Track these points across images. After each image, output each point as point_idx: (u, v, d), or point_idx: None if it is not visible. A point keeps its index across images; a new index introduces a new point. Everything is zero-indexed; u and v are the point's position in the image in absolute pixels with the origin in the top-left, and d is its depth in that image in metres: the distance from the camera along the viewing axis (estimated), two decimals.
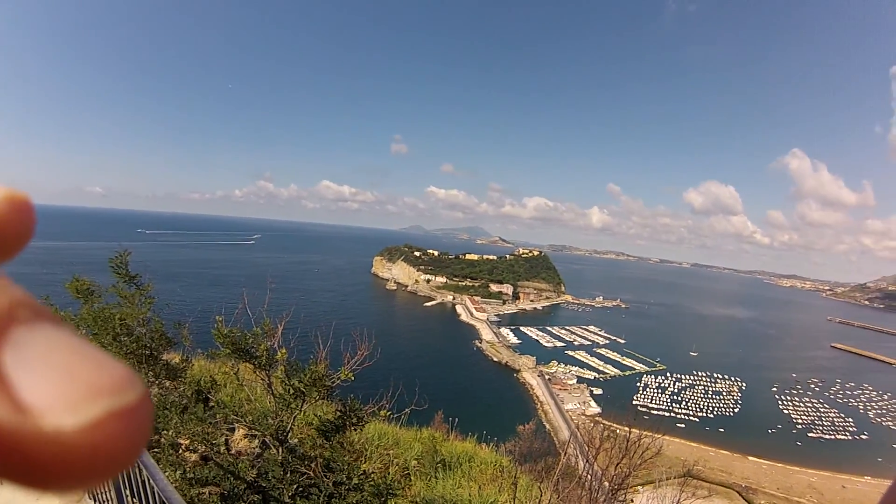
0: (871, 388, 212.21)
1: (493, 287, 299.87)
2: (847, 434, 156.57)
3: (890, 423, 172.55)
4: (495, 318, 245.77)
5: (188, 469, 6.47)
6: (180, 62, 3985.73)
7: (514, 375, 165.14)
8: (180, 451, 6.90)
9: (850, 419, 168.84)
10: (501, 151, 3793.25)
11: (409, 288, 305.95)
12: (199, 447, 7.08)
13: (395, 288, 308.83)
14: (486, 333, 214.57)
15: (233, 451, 7.45)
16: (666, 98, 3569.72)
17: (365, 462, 9.17)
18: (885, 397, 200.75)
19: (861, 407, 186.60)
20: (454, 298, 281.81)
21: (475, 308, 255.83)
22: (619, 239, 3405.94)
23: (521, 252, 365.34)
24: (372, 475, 7.36)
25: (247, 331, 8.18)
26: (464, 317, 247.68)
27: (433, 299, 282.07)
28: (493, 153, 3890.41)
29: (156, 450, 6.56)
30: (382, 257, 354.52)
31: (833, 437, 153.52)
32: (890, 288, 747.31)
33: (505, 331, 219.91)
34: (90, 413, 0.39)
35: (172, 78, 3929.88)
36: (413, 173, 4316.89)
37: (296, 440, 7.53)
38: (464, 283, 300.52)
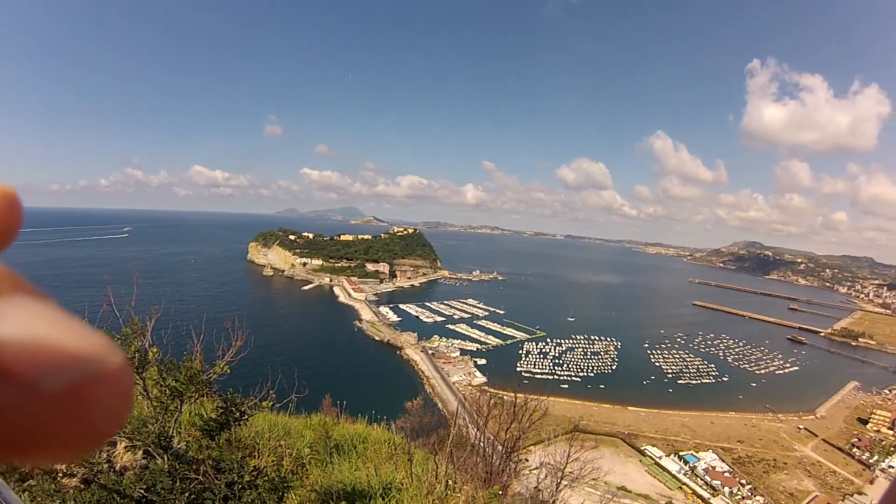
0: (728, 337, 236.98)
1: (370, 266, 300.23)
2: (711, 378, 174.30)
3: (746, 366, 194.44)
4: (374, 298, 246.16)
5: (69, 497, 5.86)
6: (20, 33, 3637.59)
7: (398, 353, 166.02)
8: (58, 477, 6.23)
9: (713, 365, 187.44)
10: (376, 131, 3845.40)
11: (286, 273, 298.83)
12: (78, 470, 6.43)
13: (272, 274, 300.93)
14: (366, 313, 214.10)
15: (117, 468, 6.81)
16: (541, 79, 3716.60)
17: (257, 457, 8.78)
18: (741, 344, 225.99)
19: (721, 354, 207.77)
20: (331, 280, 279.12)
21: (353, 289, 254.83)
22: (494, 214, 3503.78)
23: (395, 230, 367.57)
24: (265, 470, 7.06)
25: (114, 332, 7.53)
26: (342, 298, 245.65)
27: (311, 283, 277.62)
28: (367, 133, 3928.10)
29: (29, 481, 5.89)
30: (258, 243, 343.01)
31: (699, 381, 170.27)
32: (740, 252, 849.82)
33: (384, 309, 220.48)
34: (68, 377, 0.39)
35: (14, 55, 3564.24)
36: (287, 155, 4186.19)
37: (181, 445, 7.02)
38: (340, 265, 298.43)
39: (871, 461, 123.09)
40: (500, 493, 11.67)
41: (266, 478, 6.65)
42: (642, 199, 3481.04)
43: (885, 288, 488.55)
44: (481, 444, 17.71)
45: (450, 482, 10.07)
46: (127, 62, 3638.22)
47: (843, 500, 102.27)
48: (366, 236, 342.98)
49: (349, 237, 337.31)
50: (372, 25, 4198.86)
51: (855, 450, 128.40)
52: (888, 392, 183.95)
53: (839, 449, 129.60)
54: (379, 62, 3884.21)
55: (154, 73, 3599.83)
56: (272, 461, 9.16)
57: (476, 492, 10.58)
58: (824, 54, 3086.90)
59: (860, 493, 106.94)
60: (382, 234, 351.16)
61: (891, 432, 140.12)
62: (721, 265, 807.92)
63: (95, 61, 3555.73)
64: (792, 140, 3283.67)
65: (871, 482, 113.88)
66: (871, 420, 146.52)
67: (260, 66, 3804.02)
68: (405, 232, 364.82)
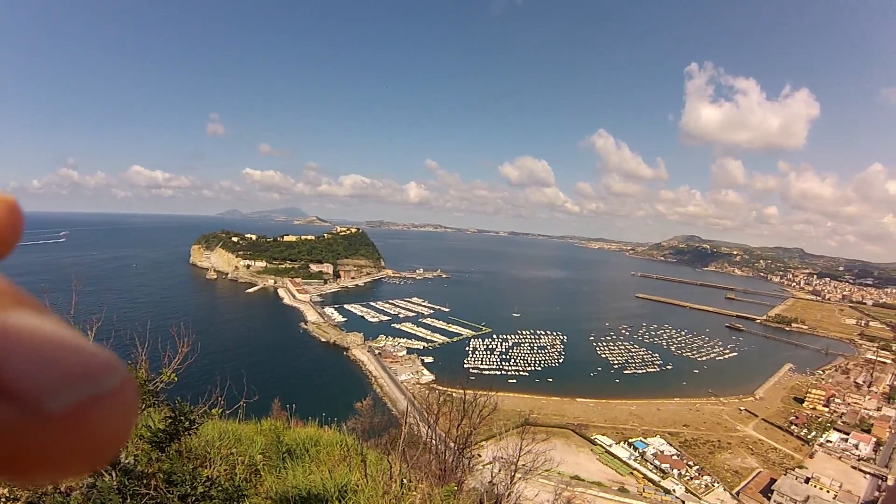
0: (670, 327, 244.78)
1: (314, 267, 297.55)
2: (655, 367, 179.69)
3: (688, 354, 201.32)
4: (318, 299, 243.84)
5: None
6: None
7: (345, 354, 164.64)
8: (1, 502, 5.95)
9: (657, 355, 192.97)
10: (319, 130, 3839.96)
11: (229, 275, 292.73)
12: (22, 493, 6.14)
13: (215, 277, 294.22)
14: (311, 315, 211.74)
15: (62, 489, 6.52)
16: (485, 78, 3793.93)
17: (209, 467, 8.59)
18: (683, 333, 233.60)
19: (664, 344, 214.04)
20: (276, 282, 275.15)
21: (297, 290, 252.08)
22: (437, 212, 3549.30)
23: (339, 230, 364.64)
24: (218, 480, 6.91)
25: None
26: (287, 300, 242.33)
27: (255, 285, 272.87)
28: (310, 132, 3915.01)
29: None
30: (200, 245, 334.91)
31: (644, 371, 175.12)
32: (680, 245, 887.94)
33: (329, 310, 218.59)
34: (72, 397, 0.39)
35: None
36: (230, 155, 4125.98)
37: (129, 459, 6.79)
38: (284, 266, 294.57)
39: (809, 437, 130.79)
40: (456, 489, 11.74)
41: (220, 488, 6.52)
42: (585, 196, 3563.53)
43: (815, 276, 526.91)
44: (433, 441, 17.79)
45: (405, 481, 10.07)
46: (57, 54, 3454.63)
47: (784, 475, 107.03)
48: (309, 237, 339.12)
49: (292, 238, 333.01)
50: (314, 22, 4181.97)
51: (793, 427, 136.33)
52: (821, 372, 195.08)
53: (778, 427, 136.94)
54: (321, 59, 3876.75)
55: (88, 65, 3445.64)
56: (225, 470, 8.96)
57: (432, 489, 10.60)
58: (758, 59, 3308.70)
59: (801, 467, 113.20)
60: (326, 235, 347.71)
61: (826, 409, 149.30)
62: (662, 258, 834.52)
63: (20, 54, 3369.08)
64: (727, 139, 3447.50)
65: (811, 456, 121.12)
66: (806, 399, 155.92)
67: (200, 59, 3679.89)
68: (348, 232, 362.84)
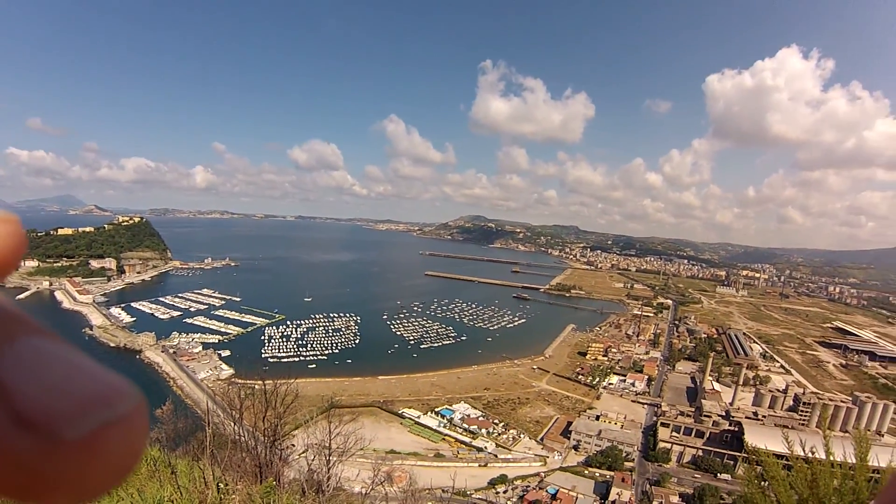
0: (461, 301, 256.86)
1: (95, 263, 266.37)
2: (451, 339, 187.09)
3: (481, 325, 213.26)
4: (103, 299, 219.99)
5: None
6: None
7: (138, 357, 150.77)
8: None
9: (451, 328, 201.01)
10: (98, 104, 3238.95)
11: None
12: None
13: None
14: (97, 317, 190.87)
15: None
16: (277, 60, 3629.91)
17: None
18: (474, 306, 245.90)
19: (457, 317, 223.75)
20: (52, 284, 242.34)
21: (78, 291, 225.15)
22: (224, 198, 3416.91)
23: (121, 220, 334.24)
24: None
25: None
26: (67, 304, 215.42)
27: (26, 290, 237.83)
28: (90, 107, 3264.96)
29: None
30: None
31: (441, 343, 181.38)
32: (466, 225, 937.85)
33: (116, 311, 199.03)
34: (88, 425, 0.39)
35: None
36: None
37: None
38: (60, 264, 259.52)
39: (594, 382, 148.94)
40: (275, 484, 11.20)
41: None
42: (373, 179, 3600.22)
43: (589, 249, 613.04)
44: (243, 438, 17.13)
45: (221, 486, 9.35)
46: None
47: (578, 416, 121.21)
48: (88, 229, 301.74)
49: (68, 231, 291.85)
50: None
51: (580, 376, 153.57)
52: (599, 329, 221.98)
53: (568, 378, 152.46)
54: (103, 28, 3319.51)
55: None
56: None
57: (251, 489, 9.98)
58: (547, 63, 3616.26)
59: (591, 408, 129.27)
60: (107, 226, 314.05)
61: (605, 358, 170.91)
62: (449, 237, 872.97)
63: None
64: (514, 130, 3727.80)
65: (598, 398, 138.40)
66: (588, 351, 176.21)
67: None
68: (131, 221, 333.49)
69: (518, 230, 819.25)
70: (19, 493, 0.40)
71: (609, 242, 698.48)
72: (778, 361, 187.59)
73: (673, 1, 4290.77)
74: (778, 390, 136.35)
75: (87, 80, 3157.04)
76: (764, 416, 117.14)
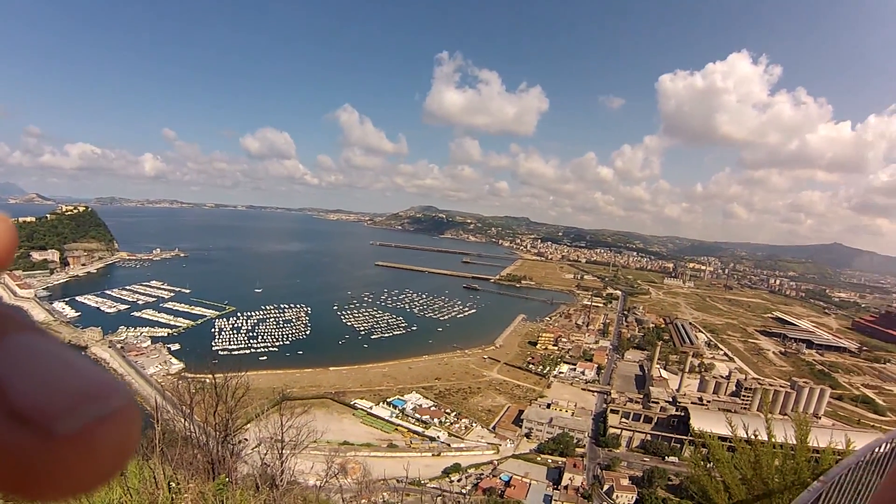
0: (412, 291, 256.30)
1: (37, 255, 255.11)
2: (401, 329, 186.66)
3: (431, 315, 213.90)
4: (45, 293, 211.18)
5: None
6: None
7: (84, 354, 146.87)
8: None
9: (401, 318, 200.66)
10: (42, 85, 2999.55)
11: None
12: None
13: None
14: (39, 313, 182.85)
15: None
16: (229, 45, 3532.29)
17: None
18: (424, 296, 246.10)
19: (407, 307, 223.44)
20: None
21: (18, 285, 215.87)
22: (174, 186, 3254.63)
23: (64, 209, 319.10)
24: None
25: None
26: (6, 299, 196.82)
27: None
28: (31, 87, 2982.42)
29: None
30: None
31: (391, 334, 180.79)
32: (417, 215, 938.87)
33: (60, 305, 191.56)
34: (80, 419, 0.40)
35: None
36: None
37: None
38: None
39: (545, 371, 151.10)
40: (228, 480, 11.05)
41: None
42: (325, 168, 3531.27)
43: (539, 241, 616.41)
44: (194, 434, 16.83)
45: (172, 485, 9.19)
46: None
47: (530, 405, 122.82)
48: (29, 218, 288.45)
49: None
50: None
51: (531, 365, 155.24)
52: (549, 319, 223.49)
53: (519, 367, 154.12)
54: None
55: None
56: None
57: (203, 486, 9.82)
58: (503, 56, 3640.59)
59: (542, 397, 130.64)
60: (49, 215, 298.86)
61: (555, 347, 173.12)
62: (400, 227, 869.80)
63: None
64: (467, 122, 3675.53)
65: (549, 387, 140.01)
66: (538, 341, 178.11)
67: None
68: (76, 211, 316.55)
69: (469, 221, 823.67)
70: (12, 487, 0.40)
71: (560, 234, 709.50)
72: (722, 349, 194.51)
73: (630, 1, 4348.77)
74: (721, 377, 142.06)
75: (27, 59, 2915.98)
76: (708, 402, 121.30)
